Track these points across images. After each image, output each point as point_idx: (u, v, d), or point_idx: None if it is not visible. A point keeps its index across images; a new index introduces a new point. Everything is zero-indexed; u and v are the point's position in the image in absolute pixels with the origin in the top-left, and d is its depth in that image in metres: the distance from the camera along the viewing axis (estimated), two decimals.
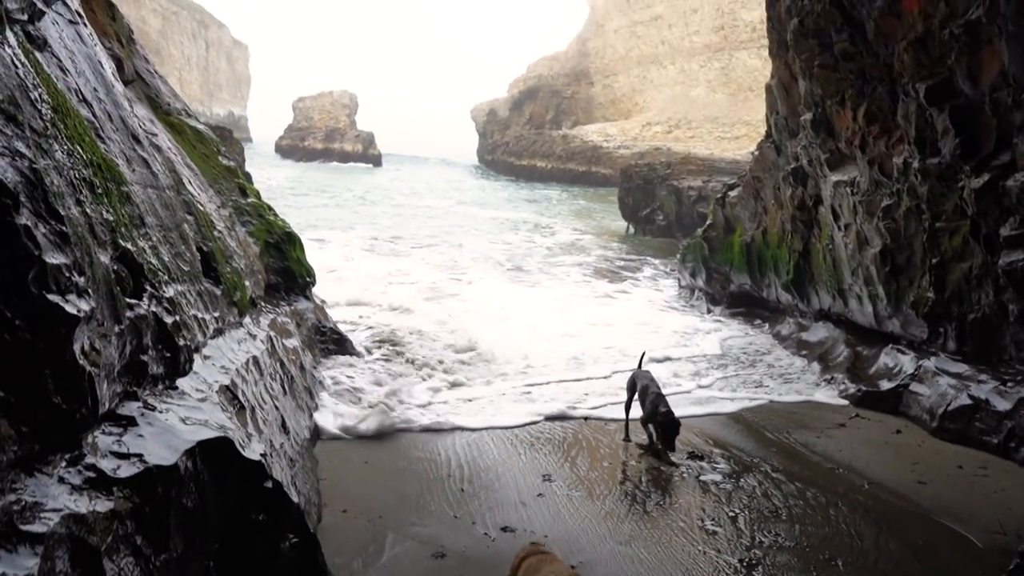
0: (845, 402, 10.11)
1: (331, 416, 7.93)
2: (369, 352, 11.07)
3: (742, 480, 7.03)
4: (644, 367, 8.91)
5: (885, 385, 9.99)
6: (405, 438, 7.82)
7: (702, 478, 7.07)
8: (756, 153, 15.63)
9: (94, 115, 4.78)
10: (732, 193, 16.95)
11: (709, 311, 16.89)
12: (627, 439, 8.11)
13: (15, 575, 2.21)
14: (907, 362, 10.00)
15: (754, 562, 5.38)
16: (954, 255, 8.99)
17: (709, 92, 69.90)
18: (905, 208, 9.66)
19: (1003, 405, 8.01)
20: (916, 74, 8.93)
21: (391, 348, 11.46)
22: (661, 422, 7.37)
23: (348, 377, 9.53)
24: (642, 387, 7.93)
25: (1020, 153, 7.64)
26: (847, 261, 11.39)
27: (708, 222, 18.06)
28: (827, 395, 10.47)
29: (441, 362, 10.92)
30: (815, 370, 11.74)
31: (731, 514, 6.25)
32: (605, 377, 10.89)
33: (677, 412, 7.58)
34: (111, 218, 3.78)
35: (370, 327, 12.85)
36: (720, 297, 17.07)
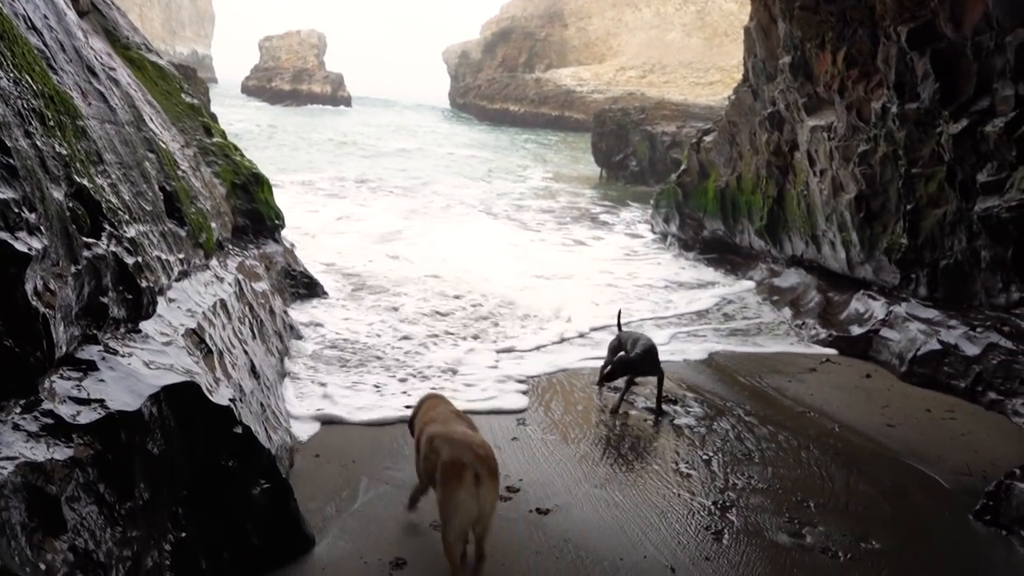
0: (816, 347, 10.18)
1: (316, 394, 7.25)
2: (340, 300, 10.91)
3: (715, 424, 7.07)
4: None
5: (856, 331, 10.07)
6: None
7: (676, 422, 7.10)
8: (732, 97, 15.46)
9: (44, 44, 4.50)
10: (707, 138, 16.80)
11: (682, 256, 16.89)
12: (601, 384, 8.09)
13: None
14: (878, 308, 10.07)
15: (728, 504, 5.42)
16: (929, 201, 8.98)
17: (684, 36, 69.08)
18: (882, 154, 9.61)
19: (972, 350, 8.10)
20: (898, 16, 8.79)
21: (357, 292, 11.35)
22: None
23: (318, 326, 9.35)
24: (632, 340, 7.73)
25: (1000, 98, 7.57)
26: (821, 207, 11.36)
27: (682, 167, 17.93)
28: (798, 341, 10.55)
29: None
30: (786, 316, 11.82)
31: (704, 457, 6.28)
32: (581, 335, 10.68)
33: None
34: (64, 152, 3.57)
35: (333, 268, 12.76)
36: (693, 243, 17.05)
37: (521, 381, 8.07)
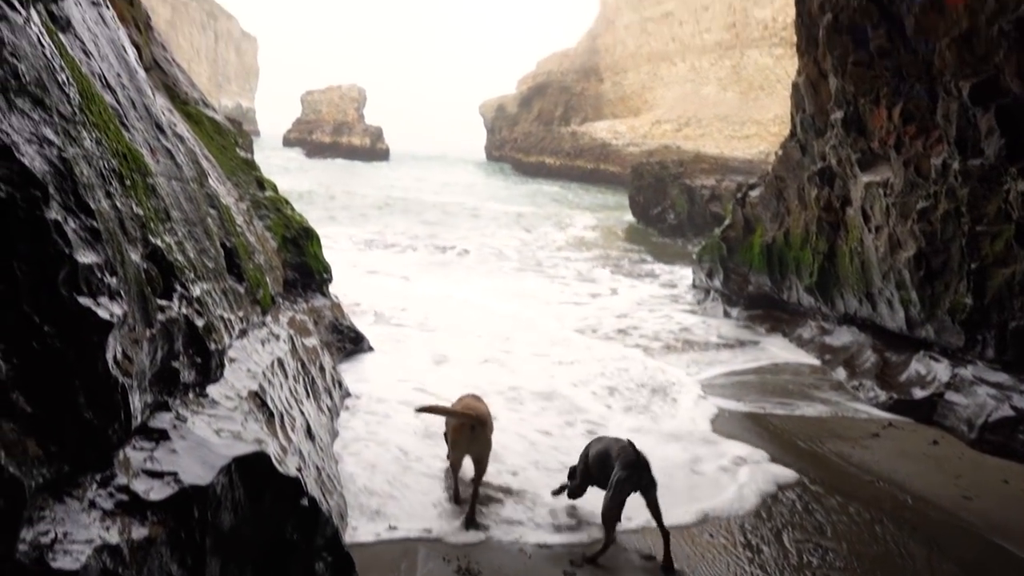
0: (875, 410, 9.82)
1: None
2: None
3: (780, 492, 6.76)
4: None
5: (918, 393, 9.70)
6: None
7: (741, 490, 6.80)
8: (779, 152, 15.30)
9: (118, 102, 4.51)
10: (753, 193, 16.63)
11: (726, 313, 16.58)
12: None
13: None
14: (941, 370, 9.70)
15: None
16: (996, 260, 8.68)
17: (720, 90, 69.41)
18: (943, 211, 9.35)
19: None
20: (959, 72, 8.63)
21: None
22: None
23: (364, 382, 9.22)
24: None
25: None
26: (877, 264, 11.07)
27: (727, 222, 17.72)
28: (856, 402, 10.20)
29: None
30: (841, 376, 11.48)
31: (773, 529, 5.98)
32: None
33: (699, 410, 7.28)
34: (140, 212, 3.52)
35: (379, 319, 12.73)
36: (737, 298, 16.75)
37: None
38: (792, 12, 14.79)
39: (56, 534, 2.22)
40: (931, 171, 9.49)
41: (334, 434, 7.27)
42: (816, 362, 12.33)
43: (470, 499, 5.93)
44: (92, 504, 2.47)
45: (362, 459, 6.80)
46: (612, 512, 5.27)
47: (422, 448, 7.28)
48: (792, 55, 22.52)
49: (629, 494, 5.31)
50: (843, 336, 12.70)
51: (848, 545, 5.75)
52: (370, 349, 10.65)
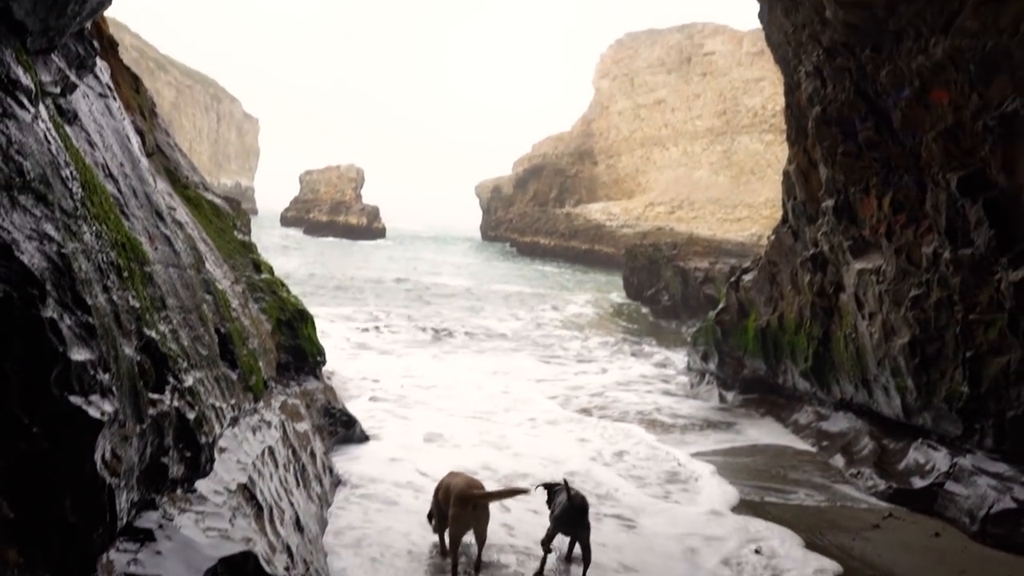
0: (874, 499, 9.66)
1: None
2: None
3: None
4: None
5: (918, 483, 9.56)
6: None
7: None
8: (772, 237, 15.50)
9: (119, 191, 4.57)
10: (746, 277, 16.75)
11: (721, 397, 16.49)
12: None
13: None
14: (940, 459, 9.59)
15: None
16: (990, 348, 8.69)
17: (711, 174, 70.69)
18: (936, 299, 9.40)
19: None
20: (946, 164, 8.82)
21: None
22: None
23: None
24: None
25: None
26: (872, 351, 11.07)
27: (721, 305, 17.78)
28: (854, 491, 10.04)
29: None
30: (839, 463, 11.34)
31: None
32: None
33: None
34: (136, 304, 3.51)
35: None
36: (733, 382, 16.67)
37: None
38: (780, 100, 15.22)
39: None
40: (923, 259, 9.59)
41: (323, 523, 7.10)
42: (808, 447, 12.20)
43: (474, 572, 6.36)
44: None
45: (362, 553, 6.61)
46: (544, 540, 6.63)
47: (421, 535, 7.13)
48: (781, 141, 23.06)
49: (561, 530, 6.60)
50: (840, 422, 12.60)
51: None
52: (363, 434, 10.50)
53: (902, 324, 10.14)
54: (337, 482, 8.41)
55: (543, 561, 6.59)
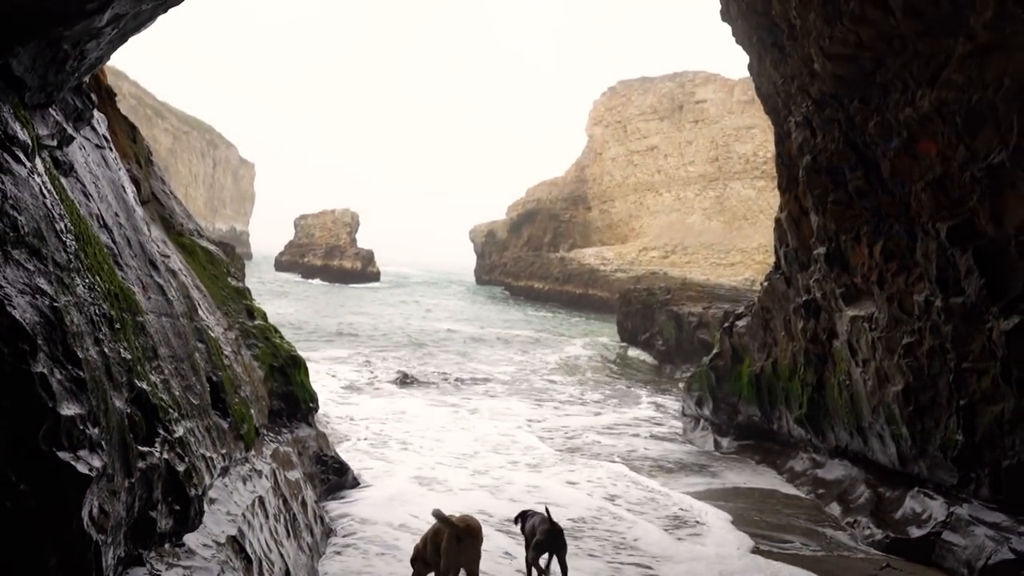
0: (871, 549, 9.56)
1: None
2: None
3: None
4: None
5: (915, 532, 9.48)
6: None
7: None
8: (765, 284, 15.56)
9: (114, 241, 4.60)
10: (740, 323, 16.78)
11: (716, 443, 16.40)
12: None
13: None
14: (937, 508, 9.52)
15: None
16: (984, 397, 8.68)
17: (704, 219, 71.30)
18: (928, 347, 9.42)
19: None
20: (936, 214, 8.91)
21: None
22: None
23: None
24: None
25: None
26: (867, 398, 11.05)
27: (715, 351, 17.79)
28: (851, 541, 9.94)
29: None
30: (835, 511, 11.25)
31: None
32: None
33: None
34: (128, 356, 3.51)
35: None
36: (727, 428, 16.61)
37: None
38: (771, 147, 15.44)
39: None
40: (914, 307, 9.63)
41: (314, 574, 6.99)
42: (801, 494, 12.12)
43: None
44: None
45: None
46: (530, 563, 7.40)
47: None
48: (773, 187, 23.29)
49: (545, 552, 7.36)
50: (835, 470, 12.53)
51: None
52: (355, 480, 10.41)
53: (895, 371, 10.14)
54: (329, 531, 8.30)
55: None
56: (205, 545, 3.81)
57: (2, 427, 2.28)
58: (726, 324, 17.80)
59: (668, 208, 75.35)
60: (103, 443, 2.75)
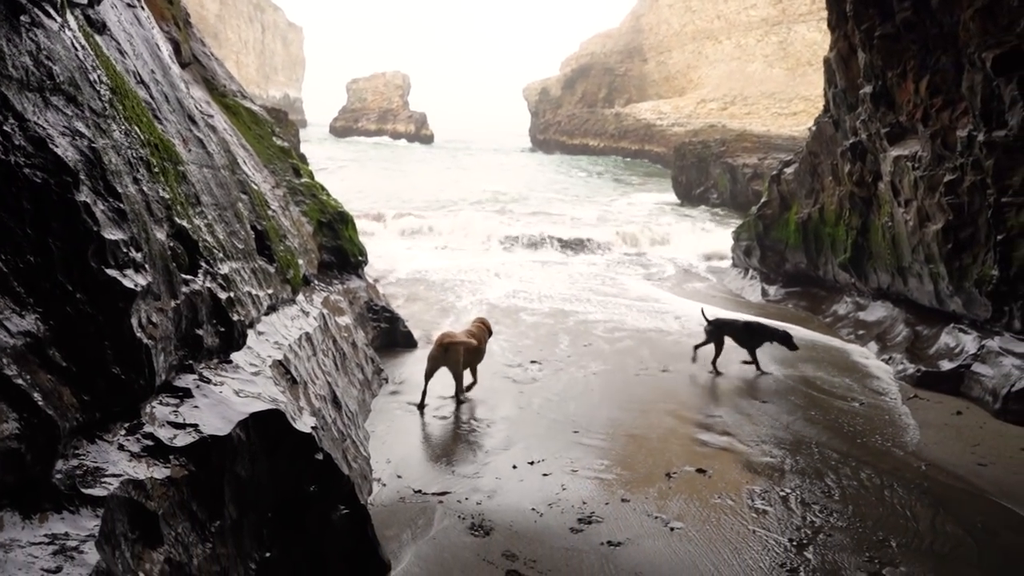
0: (902, 383, 9.86)
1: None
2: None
3: (793, 459, 6.94)
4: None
5: (946, 365, 9.72)
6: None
7: (751, 459, 6.99)
8: (813, 128, 15.26)
9: (151, 96, 4.91)
10: (788, 170, 16.58)
11: (764, 291, 16.61)
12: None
13: (77, 534, 2.32)
14: (969, 342, 9.71)
15: (805, 541, 5.32)
16: (1021, 231, 8.66)
17: (766, 67, 68.27)
18: (969, 183, 9.32)
19: None
20: (983, 43, 8.59)
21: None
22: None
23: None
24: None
25: None
26: (907, 239, 11.06)
27: (763, 199, 17.69)
28: (885, 375, 10.25)
29: None
30: (872, 349, 11.52)
31: (782, 494, 6.18)
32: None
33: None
34: (167, 196, 3.89)
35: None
36: (775, 276, 16.76)
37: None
38: None
39: (88, 467, 2.60)
40: (957, 143, 9.46)
41: (365, 407, 7.67)
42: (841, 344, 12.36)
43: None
44: (121, 447, 2.84)
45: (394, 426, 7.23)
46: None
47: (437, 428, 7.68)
48: None
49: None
50: (877, 311, 12.71)
51: (853, 507, 5.93)
52: (406, 330, 10.94)
53: (936, 210, 10.09)
54: (380, 371, 8.95)
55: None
56: (251, 364, 4.31)
57: (56, 247, 2.68)
58: (775, 172, 17.60)
59: (728, 56, 72.21)
60: (146, 266, 3.17)
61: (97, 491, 2.52)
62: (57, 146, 2.84)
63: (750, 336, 10.34)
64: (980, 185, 9.13)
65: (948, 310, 10.36)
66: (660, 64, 79.93)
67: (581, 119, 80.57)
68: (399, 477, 6.11)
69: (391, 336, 10.64)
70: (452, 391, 8.29)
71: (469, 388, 8.57)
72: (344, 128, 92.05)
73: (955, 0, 9.02)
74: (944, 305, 10.41)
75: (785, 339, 10.22)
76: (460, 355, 8.15)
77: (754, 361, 10.26)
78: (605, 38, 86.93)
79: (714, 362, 10.15)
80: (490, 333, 9.13)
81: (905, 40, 10.26)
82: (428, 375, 8.20)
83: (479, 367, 8.77)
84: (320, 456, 3.96)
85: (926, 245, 10.47)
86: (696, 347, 10.57)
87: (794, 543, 5.30)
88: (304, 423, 3.99)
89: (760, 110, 64.94)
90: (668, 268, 20.20)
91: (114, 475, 2.65)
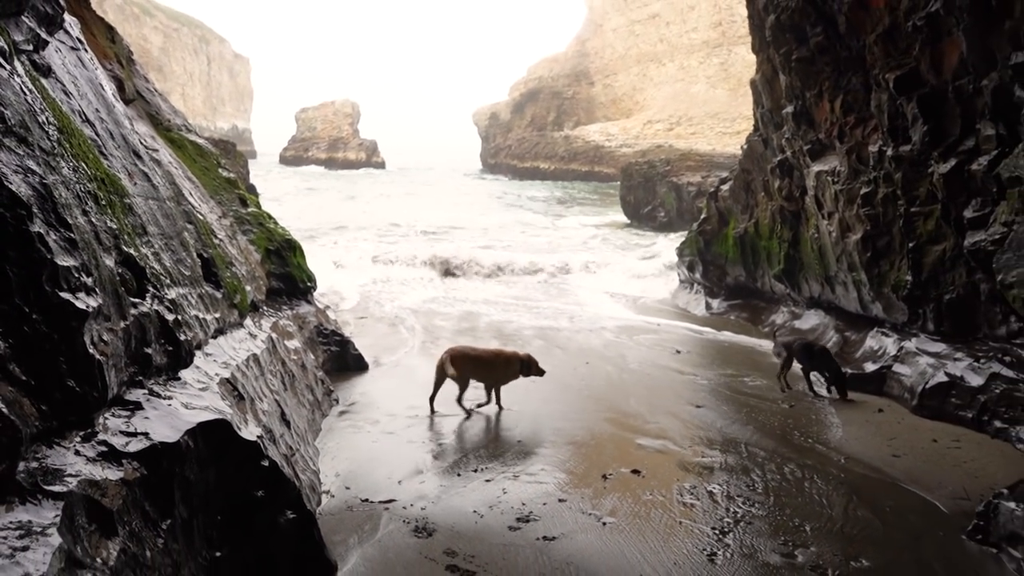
0: (832, 386, 10.38)
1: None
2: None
3: (725, 457, 7.37)
4: None
5: (870, 367, 10.31)
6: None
7: (684, 460, 7.41)
8: (745, 147, 15.98)
9: (97, 134, 5.19)
10: (724, 187, 17.28)
11: (707, 305, 17.19)
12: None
13: (40, 522, 2.60)
14: (890, 344, 10.32)
15: (726, 529, 5.74)
16: (929, 238, 9.31)
17: (709, 88, 70.16)
18: (882, 195, 9.98)
19: (976, 380, 8.34)
20: (886, 65, 9.29)
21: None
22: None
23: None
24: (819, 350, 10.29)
25: (983, 138, 7.97)
26: (832, 249, 11.70)
27: (703, 216, 18.35)
28: (816, 379, 10.77)
29: None
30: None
31: (709, 489, 6.59)
32: None
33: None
34: (115, 226, 4.18)
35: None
36: (717, 290, 17.37)
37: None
38: None
39: (48, 468, 2.88)
40: (870, 158, 10.13)
41: (316, 425, 7.92)
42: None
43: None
44: (77, 452, 3.12)
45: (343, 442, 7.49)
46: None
47: (398, 427, 7.97)
48: None
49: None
50: (811, 319, 13.32)
51: (774, 498, 6.37)
52: (356, 352, 11.19)
53: (855, 221, 10.74)
54: (331, 393, 9.20)
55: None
56: (199, 380, 4.59)
57: (13, 273, 2.97)
58: (712, 189, 18.30)
59: (672, 78, 74.00)
60: (96, 289, 3.46)
61: (58, 487, 2.80)
62: (11, 183, 3.13)
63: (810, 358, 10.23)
64: (892, 196, 9.78)
65: (871, 315, 10.99)
66: (607, 87, 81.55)
67: (531, 142, 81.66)
68: (347, 488, 6.39)
69: (342, 359, 10.89)
70: (398, 407, 8.61)
71: (481, 405, 9.14)
72: (294, 157, 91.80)
73: (860, 25, 9.73)
74: (868, 311, 11.03)
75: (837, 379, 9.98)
76: (460, 364, 8.87)
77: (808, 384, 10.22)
78: (552, 62, 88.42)
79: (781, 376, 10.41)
80: (528, 368, 9.17)
81: (820, 63, 10.96)
82: (436, 386, 9.00)
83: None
84: (266, 463, 4.25)
85: (848, 254, 11.11)
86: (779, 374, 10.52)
87: (716, 531, 5.71)
88: (250, 432, 4.28)
89: (705, 130, 66.64)
90: (613, 289, 20.73)
91: (72, 475, 2.93)
